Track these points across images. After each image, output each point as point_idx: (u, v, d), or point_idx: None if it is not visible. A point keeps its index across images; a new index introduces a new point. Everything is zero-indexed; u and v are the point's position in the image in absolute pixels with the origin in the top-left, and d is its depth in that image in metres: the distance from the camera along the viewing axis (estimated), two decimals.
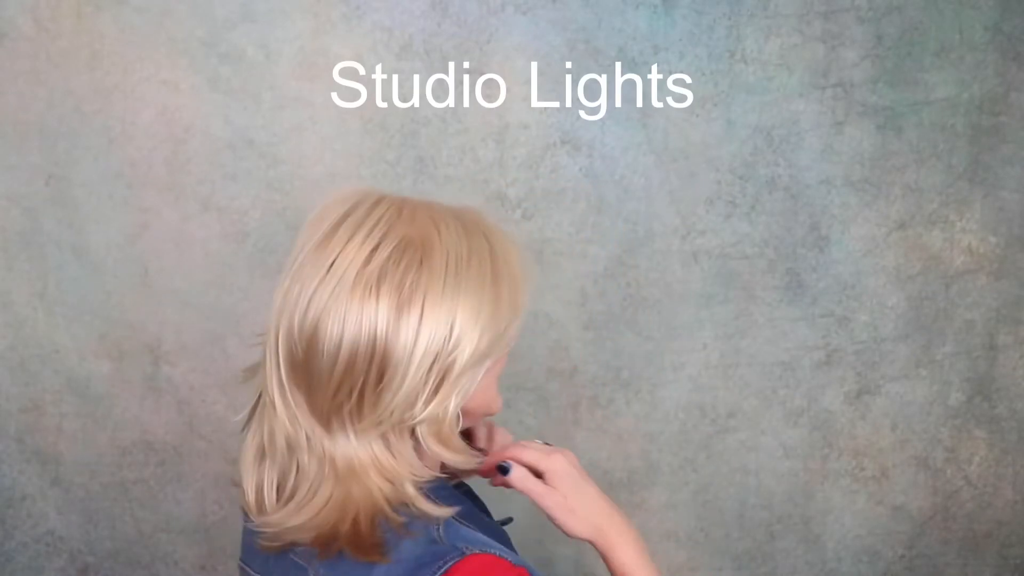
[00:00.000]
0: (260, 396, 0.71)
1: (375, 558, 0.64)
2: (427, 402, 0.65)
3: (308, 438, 0.66)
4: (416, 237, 0.65)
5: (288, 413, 0.66)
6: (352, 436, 0.66)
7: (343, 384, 0.64)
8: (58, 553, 1.43)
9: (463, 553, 0.64)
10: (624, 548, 0.75)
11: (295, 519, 0.66)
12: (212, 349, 1.36)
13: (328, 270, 0.64)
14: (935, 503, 1.49)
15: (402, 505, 0.66)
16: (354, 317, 0.63)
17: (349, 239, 0.64)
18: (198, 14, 1.27)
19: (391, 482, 0.66)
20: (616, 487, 1.43)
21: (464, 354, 0.65)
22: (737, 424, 1.44)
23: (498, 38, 1.29)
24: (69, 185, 1.31)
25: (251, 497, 0.70)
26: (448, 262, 0.65)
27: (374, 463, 0.66)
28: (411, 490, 0.66)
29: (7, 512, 1.41)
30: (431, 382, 0.65)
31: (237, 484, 0.73)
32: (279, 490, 0.69)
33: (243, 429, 0.73)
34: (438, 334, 0.64)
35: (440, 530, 0.67)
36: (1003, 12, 1.33)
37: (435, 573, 0.63)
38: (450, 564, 0.63)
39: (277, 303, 0.68)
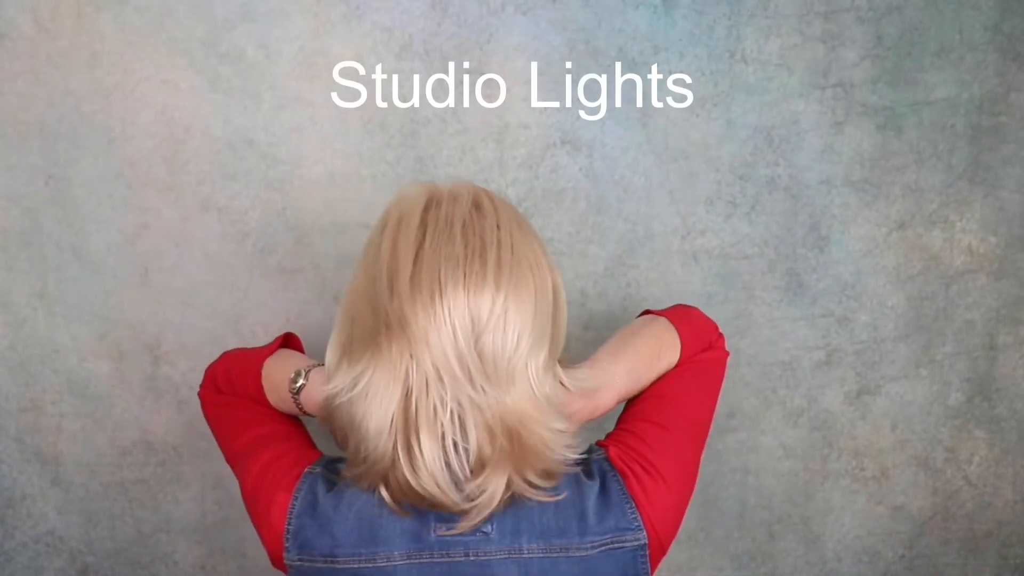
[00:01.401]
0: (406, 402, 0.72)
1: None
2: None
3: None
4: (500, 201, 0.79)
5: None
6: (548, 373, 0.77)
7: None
8: (58, 553, 1.43)
9: (603, 454, 0.81)
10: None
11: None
12: (212, 349, 1.36)
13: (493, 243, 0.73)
14: (935, 503, 1.49)
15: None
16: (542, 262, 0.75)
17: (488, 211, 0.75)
18: (198, 14, 1.27)
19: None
20: None
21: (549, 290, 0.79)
22: (737, 424, 1.44)
23: (498, 38, 1.29)
24: (69, 185, 1.31)
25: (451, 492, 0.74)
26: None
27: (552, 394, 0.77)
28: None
29: (7, 512, 1.41)
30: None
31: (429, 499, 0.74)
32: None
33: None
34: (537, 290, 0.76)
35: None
36: (1003, 12, 1.33)
37: (616, 476, 0.78)
38: (610, 463, 0.80)
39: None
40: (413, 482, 0.71)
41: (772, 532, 1.49)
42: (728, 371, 1.42)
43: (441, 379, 0.70)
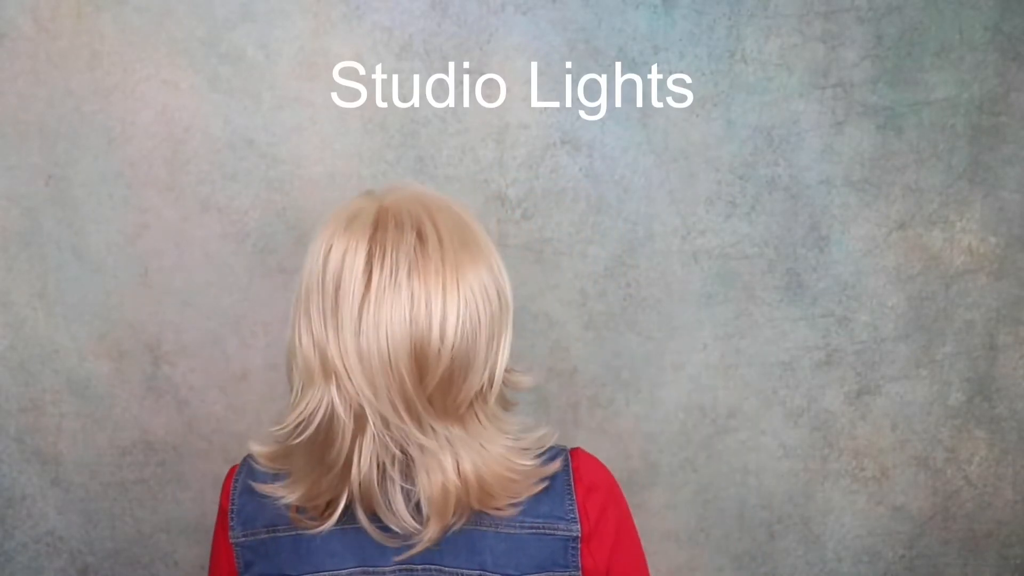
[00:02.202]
0: (336, 439, 0.71)
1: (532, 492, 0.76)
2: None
3: (448, 439, 0.72)
4: (452, 216, 0.74)
5: (420, 427, 0.71)
6: (483, 417, 0.74)
7: (470, 376, 0.72)
8: (58, 553, 1.43)
9: (566, 448, 0.80)
10: None
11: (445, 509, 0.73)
12: (212, 349, 1.36)
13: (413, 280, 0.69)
14: (935, 503, 1.49)
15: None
16: (469, 305, 0.70)
17: (388, 252, 0.70)
18: (198, 14, 1.27)
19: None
20: None
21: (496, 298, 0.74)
22: (737, 424, 1.44)
23: (498, 38, 1.29)
24: (69, 185, 1.31)
25: (402, 520, 0.74)
26: (470, 220, 0.76)
27: (499, 426, 0.76)
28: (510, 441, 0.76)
29: (7, 512, 1.41)
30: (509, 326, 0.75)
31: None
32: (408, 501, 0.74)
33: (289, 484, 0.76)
34: (506, 281, 0.75)
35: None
36: (1003, 12, 1.33)
37: (567, 466, 0.78)
38: (570, 457, 0.79)
39: (363, 338, 0.69)
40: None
41: (772, 532, 1.49)
42: (728, 371, 1.43)
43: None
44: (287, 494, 0.75)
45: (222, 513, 0.82)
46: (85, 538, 1.42)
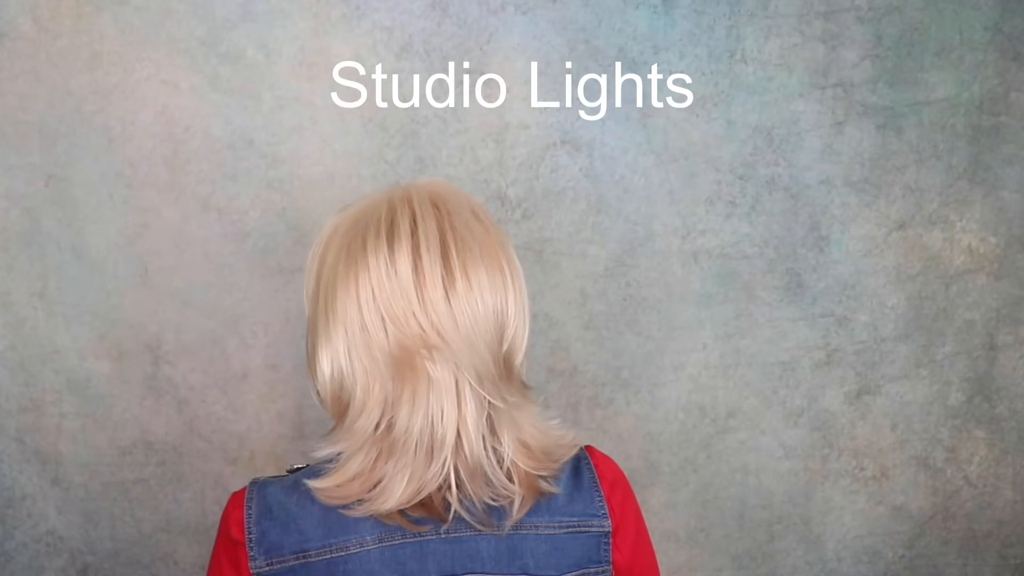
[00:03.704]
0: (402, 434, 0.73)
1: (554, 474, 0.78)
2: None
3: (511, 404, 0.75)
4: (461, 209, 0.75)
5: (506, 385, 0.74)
6: (523, 388, 0.78)
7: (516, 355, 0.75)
8: (58, 553, 1.43)
9: (581, 445, 0.82)
10: None
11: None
12: (212, 349, 1.36)
13: (449, 276, 0.71)
14: (935, 503, 1.49)
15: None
16: (509, 294, 0.73)
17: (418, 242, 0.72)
18: (198, 14, 1.27)
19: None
20: None
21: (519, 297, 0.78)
22: (737, 424, 1.44)
23: (498, 38, 1.29)
24: (69, 185, 1.31)
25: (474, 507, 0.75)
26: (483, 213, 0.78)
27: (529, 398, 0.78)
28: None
29: (7, 512, 1.41)
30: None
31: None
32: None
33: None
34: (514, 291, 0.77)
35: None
36: (1003, 12, 1.33)
37: (589, 464, 0.81)
38: (588, 453, 0.82)
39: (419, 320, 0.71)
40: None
41: (772, 532, 1.49)
42: (728, 371, 1.43)
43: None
44: (384, 500, 0.73)
45: (234, 545, 0.75)
46: (85, 538, 1.42)
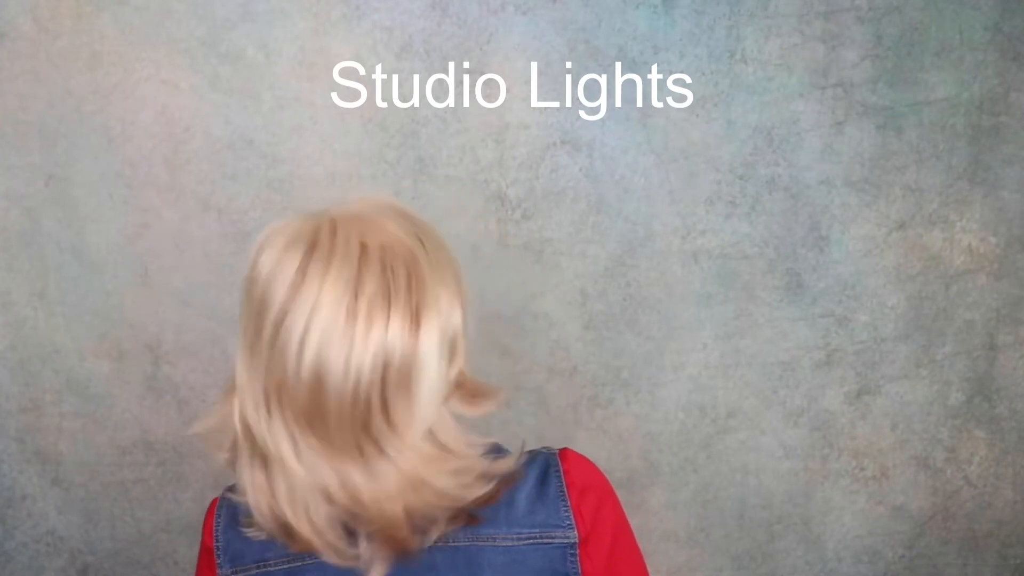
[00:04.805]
0: (247, 461, 0.70)
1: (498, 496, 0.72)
2: (448, 376, 0.69)
3: (340, 477, 0.68)
4: (391, 246, 0.67)
5: (307, 462, 0.67)
6: (394, 448, 0.67)
7: (370, 406, 0.65)
8: (58, 553, 1.43)
9: (555, 450, 0.78)
10: None
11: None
12: (212, 349, 1.36)
13: (317, 309, 0.64)
14: (935, 503, 1.49)
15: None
16: (373, 343, 0.64)
17: (325, 274, 0.65)
18: (198, 14, 1.27)
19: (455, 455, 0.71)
20: (616, 487, 1.42)
21: (460, 317, 0.69)
22: (737, 424, 1.44)
23: (498, 38, 1.29)
24: (69, 185, 1.31)
25: (326, 542, 0.70)
26: (427, 250, 0.68)
27: (430, 457, 0.69)
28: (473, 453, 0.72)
29: (7, 512, 1.41)
30: (447, 358, 0.69)
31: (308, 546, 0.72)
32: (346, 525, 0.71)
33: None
34: (450, 320, 0.68)
35: (516, 453, 0.75)
36: (1003, 12, 1.33)
37: (558, 471, 0.76)
38: (559, 460, 0.77)
39: (258, 360, 0.67)
40: None
41: (772, 532, 1.49)
42: (728, 371, 1.43)
43: None
44: None
45: (206, 551, 0.79)
46: (85, 538, 1.42)
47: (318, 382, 0.64)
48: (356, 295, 0.64)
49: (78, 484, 1.40)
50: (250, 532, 0.75)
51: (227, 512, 0.79)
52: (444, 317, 0.67)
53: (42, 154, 1.30)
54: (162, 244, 1.33)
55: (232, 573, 0.77)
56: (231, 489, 0.80)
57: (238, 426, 0.71)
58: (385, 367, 0.64)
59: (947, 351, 1.44)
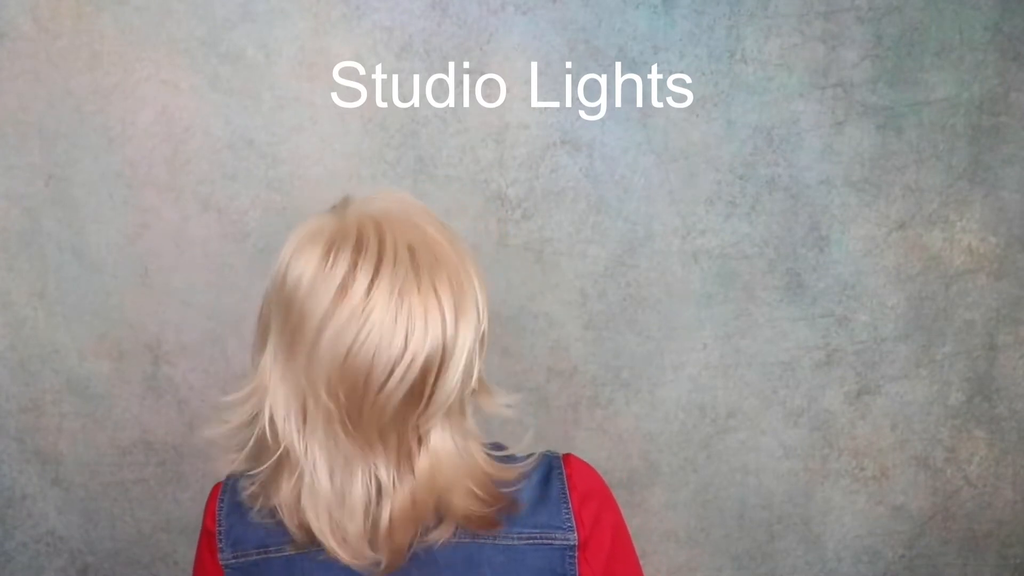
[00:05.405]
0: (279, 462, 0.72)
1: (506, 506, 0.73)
2: (477, 374, 0.72)
3: (369, 483, 0.70)
4: (430, 246, 0.69)
5: (338, 479, 0.70)
6: (427, 443, 0.70)
7: (411, 406, 0.68)
8: (58, 553, 1.43)
9: (559, 454, 0.78)
10: None
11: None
12: (212, 349, 1.36)
13: (367, 315, 0.66)
14: (935, 503, 1.49)
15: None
16: (419, 345, 0.66)
17: (375, 279, 0.67)
18: (198, 14, 1.27)
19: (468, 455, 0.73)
20: (616, 487, 1.43)
21: (485, 314, 0.72)
22: (737, 424, 1.44)
23: (498, 38, 1.29)
24: (69, 185, 1.31)
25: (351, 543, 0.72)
26: (456, 251, 0.70)
27: (454, 451, 0.72)
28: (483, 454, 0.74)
29: (7, 512, 1.41)
30: (478, 354, 0.71)
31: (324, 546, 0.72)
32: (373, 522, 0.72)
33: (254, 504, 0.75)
34: (481, 319, 0.70)
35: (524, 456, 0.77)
36: (1003, 12, 1.33)
37: (560, 474, 0.76)
38: (562, 463, 0.77)
39: (295, 366, 0.69)
40: None
41: (772, 532, 1.49)
42: (728, 371, 1.43)
43: None
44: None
45: (207, 535, 0.80)
46: (85, 538, 1.42)
47: (366, 385, 0.66)
48: (403, 299, 0.66)
49: (78, 484, 1.40)
50: (255, 516, 0.76)
51: (231, 497, 0.80)
52: (477, 315, 0.70)
53: (42, 154, 1.30)
54: (162, 244, 1.33)
55: (233, 558, 0.78)
56: (234, 475, 0.81)
57: (267, 431, 0.71)
58: (426, 369, 0.67)
59: (947, 351, 1.44)
